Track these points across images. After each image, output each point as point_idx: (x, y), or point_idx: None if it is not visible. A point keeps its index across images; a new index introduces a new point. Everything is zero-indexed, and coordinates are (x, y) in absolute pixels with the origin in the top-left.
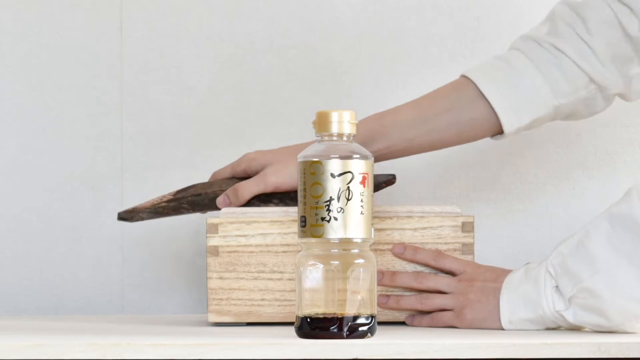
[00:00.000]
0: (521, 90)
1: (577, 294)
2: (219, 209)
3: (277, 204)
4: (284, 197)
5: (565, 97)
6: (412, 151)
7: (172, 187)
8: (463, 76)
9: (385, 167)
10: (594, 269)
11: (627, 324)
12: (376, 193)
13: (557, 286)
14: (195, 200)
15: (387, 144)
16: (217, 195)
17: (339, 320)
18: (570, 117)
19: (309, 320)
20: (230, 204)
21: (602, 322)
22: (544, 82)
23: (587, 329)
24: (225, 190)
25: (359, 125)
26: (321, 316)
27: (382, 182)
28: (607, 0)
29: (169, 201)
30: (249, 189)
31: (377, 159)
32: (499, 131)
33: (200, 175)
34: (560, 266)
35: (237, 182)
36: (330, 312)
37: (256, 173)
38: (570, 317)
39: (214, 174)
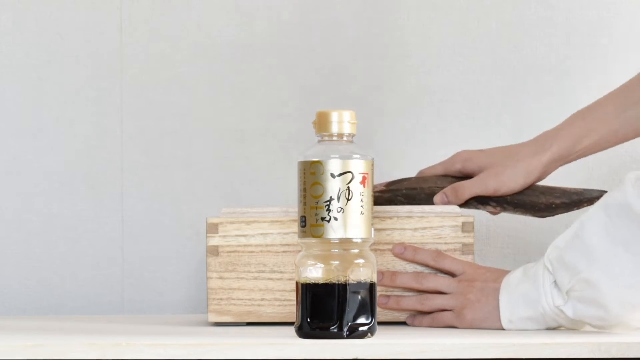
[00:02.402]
0: None
1: (574, 285)
2: (433, 205)
3: (494, 207)
4: (501, 201)
5: None
6: (618, 141)
7: (173, 187)
8: None
9: (388, 168)
10: (590, 259)
11: (625, 314)
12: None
13: (555, 281)
14: (411, 194)
15: (595, 138)
16: (434, 192)
17: (339, 320)
18: None
19: (309, 320)
20: (448, 203)
21: (601, 314)
22: None
23: (587, 329)
24: (441, 187)
25: (567, 125)
26: (321, 282)
27: (594, 197)
28: None
29: (382, 192)
30: (469, 189)
31: (585, 154)
32: None
33: (201, 174)
34: (557, 260)
35: (452, 181)
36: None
37: (471, 173)
38: (570, 311)
39: (422, 172)
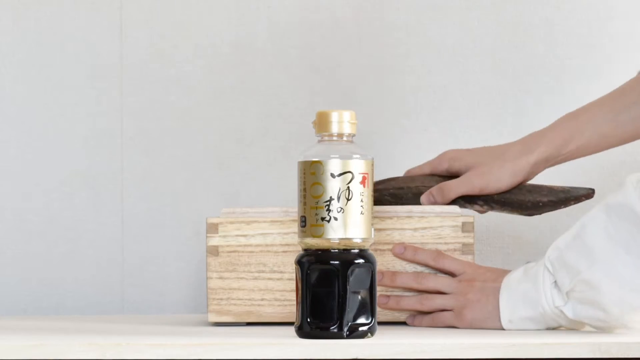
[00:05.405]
0: None
1: (575, 286)
2: (420, 205)
3: (481, 206)
4: (489, 200)
5: None
6: (608, 145)
7: (173, 187)
8: None
9: (388, 168)
10: (591, 260)
11: (625, 316)
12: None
13: (555, 282)
14: (398, 193)
15: (583, 141)
16: (421, 191)
17: (339, 320)
18: None
19: (309, 320)
20: (434, 202)
21: (600, 315)
22: None
23: (587, 329)
24: (428, 186)
25: (555, 126)
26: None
27: (581, 195)
28: None
29: None
30: (455, 189)
31: (573, 156)
32: None
33: (201, 174)
34: (558, 260)
35: (439, 180)
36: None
37: (458, 172)
38: (570, 312)
39: (409, 171)
